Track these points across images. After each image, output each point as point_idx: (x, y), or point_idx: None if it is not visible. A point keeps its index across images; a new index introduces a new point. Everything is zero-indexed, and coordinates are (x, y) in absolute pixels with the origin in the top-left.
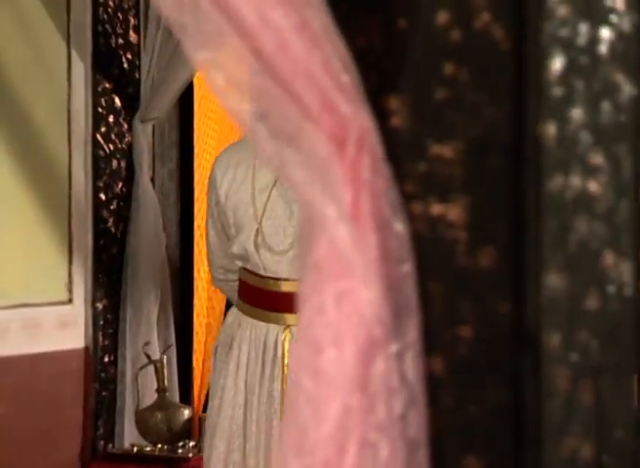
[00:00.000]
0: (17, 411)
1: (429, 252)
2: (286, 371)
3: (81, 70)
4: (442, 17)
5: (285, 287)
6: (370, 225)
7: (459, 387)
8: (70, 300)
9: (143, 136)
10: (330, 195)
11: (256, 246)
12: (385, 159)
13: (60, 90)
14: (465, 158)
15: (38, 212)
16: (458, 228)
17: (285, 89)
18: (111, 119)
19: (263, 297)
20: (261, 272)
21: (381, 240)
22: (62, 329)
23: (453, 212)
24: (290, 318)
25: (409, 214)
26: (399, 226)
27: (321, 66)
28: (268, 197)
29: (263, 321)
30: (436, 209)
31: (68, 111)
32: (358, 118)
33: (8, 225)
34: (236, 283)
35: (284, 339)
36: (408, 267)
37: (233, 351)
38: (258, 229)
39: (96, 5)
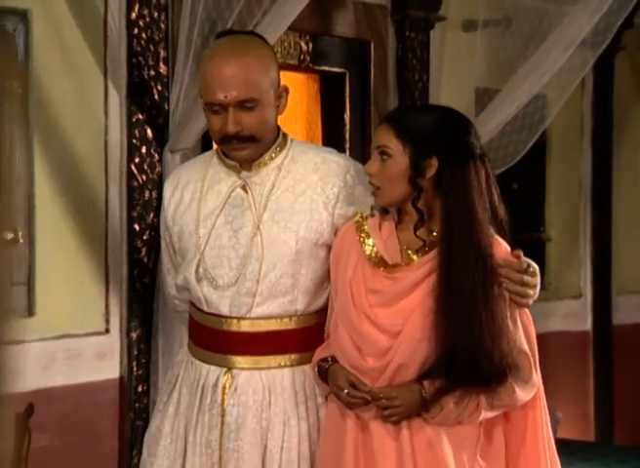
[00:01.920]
0: (60, 442)
1: None
2: (225, 420)
3: (116, 102)
4: None
5: (227, 325)
6: None
7: None
8: (107, 330)
9: (173, 167)
10: None
11: (197, 278)
12: None
13: (98, 122)
14: None
15: (78, 243)
16: None
17: None
18: (144, 150)
19: (204, 335)
20: (204, 307)
21: None
22: (100, 359)
23: None
24: (233, 360)
25: None
26: None
27: None
28: (214, 224)
29: (204, 361)
30: None
31: (105, 143)
32: None
33: (52, 257)
34: None
35: (224, 384)
36: None
37: (174, 393)
38: (200, 260)
39: (130, 37)
